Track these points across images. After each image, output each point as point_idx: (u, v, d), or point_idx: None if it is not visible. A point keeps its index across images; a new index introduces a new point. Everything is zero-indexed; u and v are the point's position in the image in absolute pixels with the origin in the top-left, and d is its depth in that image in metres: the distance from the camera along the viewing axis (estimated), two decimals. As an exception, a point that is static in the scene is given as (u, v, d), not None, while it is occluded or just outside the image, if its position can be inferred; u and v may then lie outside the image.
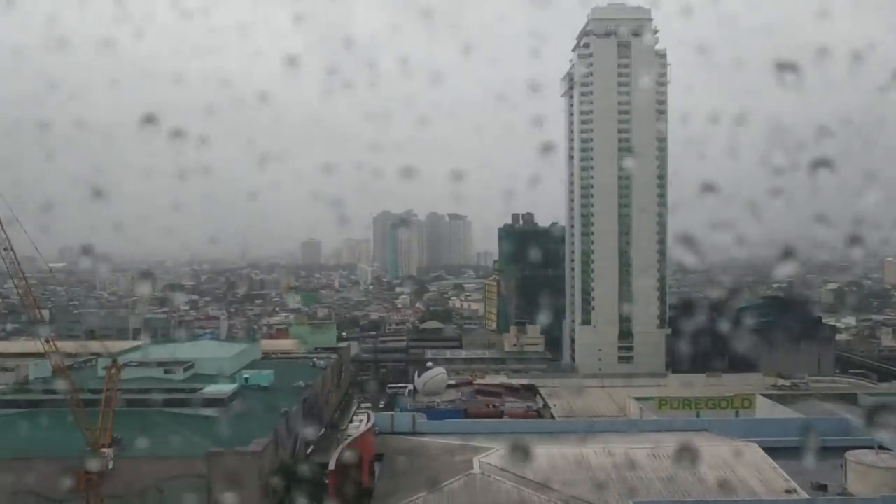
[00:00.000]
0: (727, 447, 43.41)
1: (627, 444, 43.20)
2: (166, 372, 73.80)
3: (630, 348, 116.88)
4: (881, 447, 43.04)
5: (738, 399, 70.30)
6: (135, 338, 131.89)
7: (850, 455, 39.42)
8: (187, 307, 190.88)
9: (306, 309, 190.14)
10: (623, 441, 44.28)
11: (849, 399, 72.43)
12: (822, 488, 39.33)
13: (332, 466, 33.74)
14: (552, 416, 75.11)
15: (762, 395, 71.75)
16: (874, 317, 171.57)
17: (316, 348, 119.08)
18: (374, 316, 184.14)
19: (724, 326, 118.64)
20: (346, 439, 46.45)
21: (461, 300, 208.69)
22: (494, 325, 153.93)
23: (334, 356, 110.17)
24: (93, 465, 51.19)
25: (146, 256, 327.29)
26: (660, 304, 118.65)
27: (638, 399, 70.14)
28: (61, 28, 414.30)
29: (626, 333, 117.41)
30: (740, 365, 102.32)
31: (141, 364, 76.30)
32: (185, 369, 76.64)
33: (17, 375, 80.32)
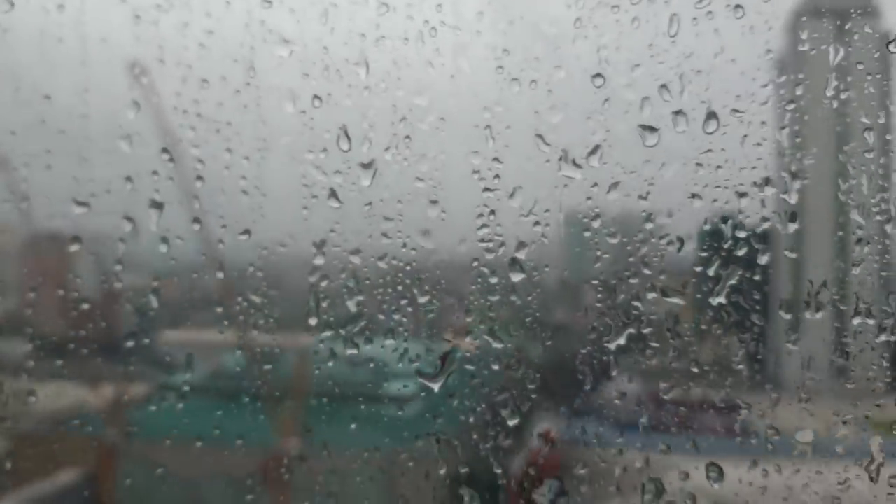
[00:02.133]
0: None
1: (846, 474, 37.63)
2: (354, 365, 75.74)
3: (848, 359, 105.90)
4: None
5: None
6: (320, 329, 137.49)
7: None
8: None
9: (493, 309, 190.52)
10: (841, 469, 38.71)
11: None
12: None
13: (512, 475, 31.72)
14: (755, 434, 68.89)
15: None
16: None
17: (496, 347, 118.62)
18: (561, 316, 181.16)
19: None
20: (528, 447, 44.23)
21: (653, 303, 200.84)
22: (690, 332, 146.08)
23: (517, 356, 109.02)
24: (280, 453, 52.82)
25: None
26: (886, 310, 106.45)
27: (861, 422, 62.30)
28: None
29: (842, 343, 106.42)
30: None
31: (330, 355, 79.02)
32: (372, 363, 78.48)
33: (212, 365, 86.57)
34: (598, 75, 6.63)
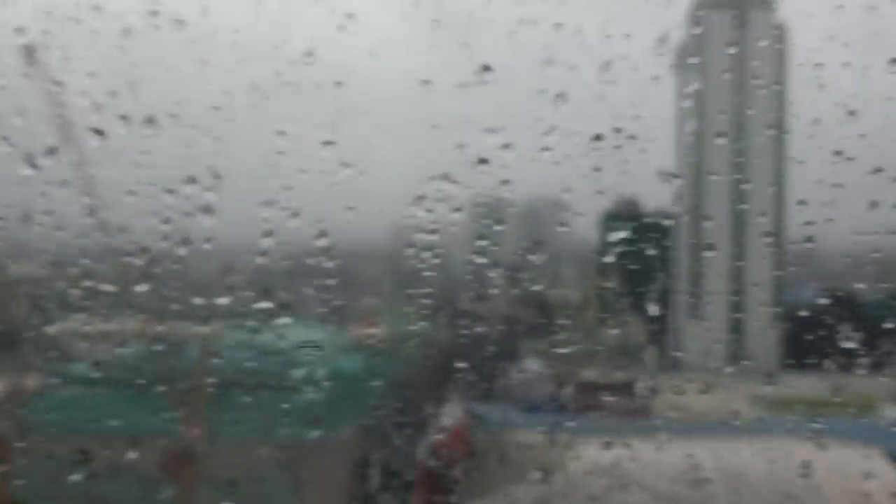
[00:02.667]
0: (849, 454, 40.75)
1: (738, 448, 41.23)
2: (259, 355, 74.92)
3: (742, 344, 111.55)
4: None
5: (862, 401, 65.73)
6: (225, 319, 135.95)
7: None
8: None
9: (398, 293, 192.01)
10: (735, 444, 42.32)
11: None
12: None
13: (420, 458, 32.98)
14: (656, 415, 72.71)
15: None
16: None
17: (408, 335, 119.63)
18: (469, 303, 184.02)
19: (848, 322, 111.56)
20: (436, 431, 45.79)
21: (562, 289, 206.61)
22: (596, 317, 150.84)
23: (427, 343, 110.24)
24: (183, 446, 52.03)
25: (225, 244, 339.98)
26: (776, 298, 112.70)
27: (753, 399, 66.94)
28: None
29: (738, 328, 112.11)
30: (865, 364, 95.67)
31: (235, 346, 77.85)
32: (277, 353, 77.80)
33: (111, 355, 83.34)
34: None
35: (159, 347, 59.02)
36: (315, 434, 57.76)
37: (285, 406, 64.41)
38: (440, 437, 38.06)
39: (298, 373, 71.91)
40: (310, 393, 68.54)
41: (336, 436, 58.86)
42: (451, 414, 59.23)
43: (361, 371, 79.59)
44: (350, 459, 57.06)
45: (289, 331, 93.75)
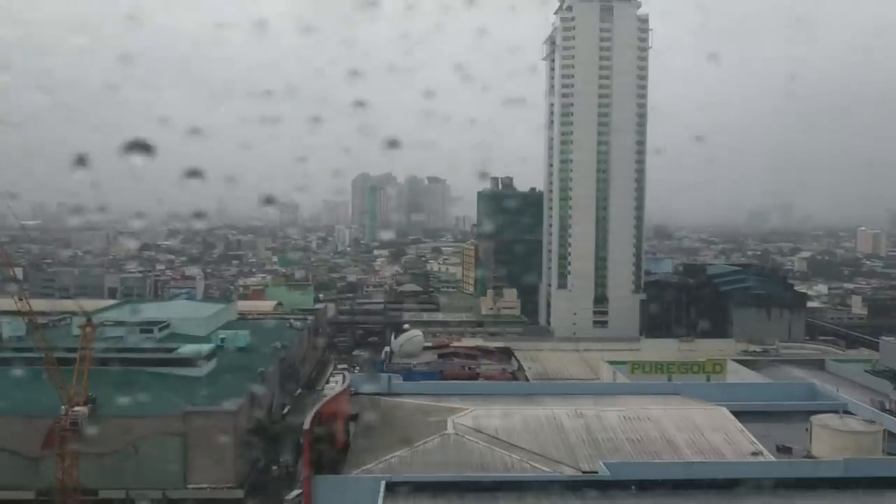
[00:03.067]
0: (696, 410, 44.17)
1: (599, 407, 43.78)
2: (142, 331, 73.83)
3: (605, 313, 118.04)
4: (846, 412, 44.16)
5: (709, 364, 71.55)
6: (110, 297, 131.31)
7: (815, 419, 40.34)
8: (163, 267, 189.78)
9: (283, 270, 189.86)
10: (596, 403, 44.86)
11: (817, 365, 73.94)
12: (787, 450, 40.33)
13: (306, 426, 33.93)
14: (526, 379, 76.01)
15: (733, 360, 73.03)
16: (845, 285, 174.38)
17: (293, 310, 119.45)
18: (351, 278, 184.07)
19: (698, 293, 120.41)
20: (321, 400, 46.71)
21: (439, 263, 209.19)
22: (472, 289, 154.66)
23: (311, 318, 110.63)
24: (67, 423, 51.38)
25: (121, 215, 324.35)
26: (635, 270, 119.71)
27: (611, 363, 71.13)
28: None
29: (601, 298, 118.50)
30: (713, 330, 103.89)
31: (116, 323, 76.20)
32: (161, 329, 76.71)
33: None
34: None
35: (40, 325, 57.65)
36: (203, 405, 58.20)
37: (173, 379, 64.29)
38: (325, 404, 39.13)
39: (187, 347, 71.56)
40: (198, 366, 68.63)
41: (224, 406, 59.22)
42: (335, 382, 60.65)
43: (250, 344, 79.60)
44: (238, 428, 57.73)
45: (176, 307, 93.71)
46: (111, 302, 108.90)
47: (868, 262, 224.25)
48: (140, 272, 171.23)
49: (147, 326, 74.82)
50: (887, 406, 54.84)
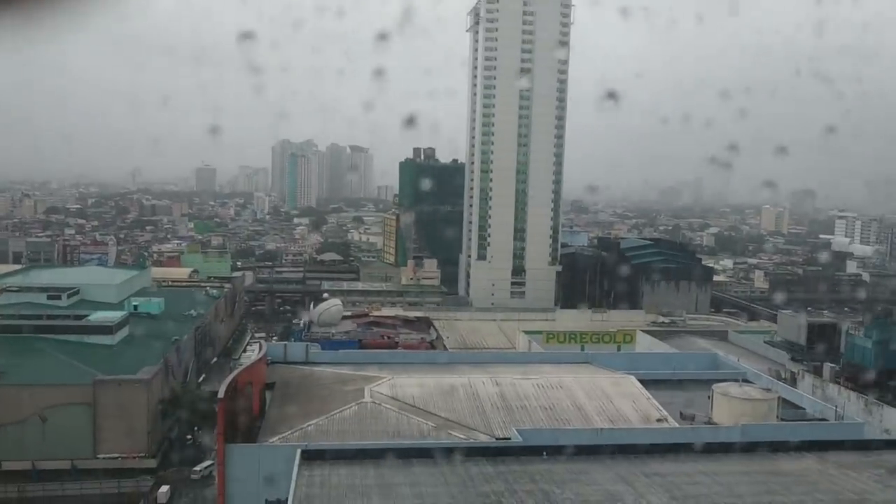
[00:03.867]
0: (607, 379, 45.77)
1: (514, 375, 44.86)
2: (50, 297, 71.30)
3: (522, 284, 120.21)
4: (745, 380, 46.55)
5: (620, 334, 73.99)
6: (16, 262, 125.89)
7: (717, 387, 42.39)
8: (73, 231, 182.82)
9: (200, 237, 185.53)
10: (510, 372, 45.92)
11: (720, 336, 77.33)
12: (690, 417, 42.31)
13: (220, 394, 33.64)
14: (445, 348, 76.98)
15: (642, 330, 75.62)
16: (749, 260, 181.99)
17: (209, 277, 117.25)
18: (270, 246, 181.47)
19: (611, 265, 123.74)
20: (237, 368, 46.30)
21: (360, 233, 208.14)
22: (392, 259, 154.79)
23: (228, 286, 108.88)
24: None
25: (28, 176, 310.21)
26: (552, 243, 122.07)
27: (527, 332, 72.73)
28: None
29: (519, 269, 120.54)
30: (625, 302, 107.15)
31: (22, 289, 73.42)
32: (70, 295, 74.22)
33: None
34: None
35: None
36: (115, 374, 56.85)
37: (83, 347, 62.49)
38: (240, 372, 38.79)
39: (98, 314, 69.61)
40: (109, 333, 66.87)
41: (137, 375, 58.00)
42: (252, 351, 60.05)
43: (164, 312, 77.82)
44: (151, 397, 56.66)
45: (87, 273, 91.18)
46: (17, 267, 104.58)
47: (771, 239, 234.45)
48: (48, 236, 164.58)
49: (55, 293, 72.25)
50: (783, 375, 57.96)
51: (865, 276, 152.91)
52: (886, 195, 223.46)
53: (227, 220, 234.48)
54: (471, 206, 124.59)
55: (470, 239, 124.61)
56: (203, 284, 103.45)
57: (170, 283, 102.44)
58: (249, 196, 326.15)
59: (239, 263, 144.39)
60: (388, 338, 79.88)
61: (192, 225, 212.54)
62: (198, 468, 52.65)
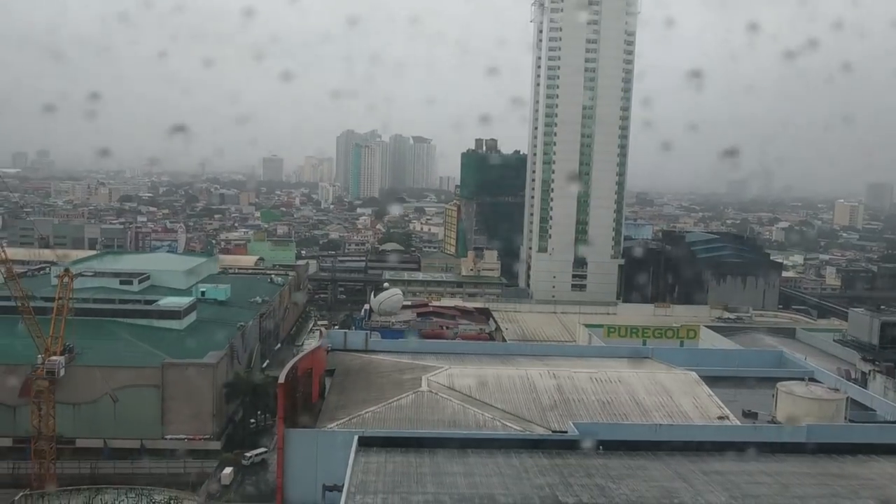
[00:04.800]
0: (667, 374, 45.06)
1: (573, 368, 44.54)
2: (122, 283, 73.83)
3: (584, 276, 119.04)
4: (812, 379, 45.24)
5: (683, 329, 72.66)
6: (90, 248, 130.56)
7: (781, 386, 41.33)
8: (145, 219, 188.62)
9: (266, 225, 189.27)
10: (569, 365, 45.61)
11: (787, 333, 75.24)
12: (753, 416, 41.37)
13: (281, 380, 34.30)
14: (503, 339, 76.86)
15: (706, 326, 74.15)
16: (820, 256, 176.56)
17: (274, 265, 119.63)
18: (333, 235, 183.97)
19: (676, 259, 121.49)
20: (299, 353, 47.15)
21: (422, 223, 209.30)
22: (453, 250, 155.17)
23: (293, 273, 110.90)
24: (43, 372, 51.60)
25: (103, 165, 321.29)
26: (615, 235, 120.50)
27: (588, 326, 72.07)
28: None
29: (580, 262, 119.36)
30: (689, 297, 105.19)
31: (96, 274, 76.14)
32: (141, 281, 76.69)
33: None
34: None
35: (22, 273, 57.42)
36: (182, 358, 58.56)
37: (153, 331, 64.50)
38: (301, 359, 39.49)
39: (167, 300, 71.69)
40: (178, 318, 68.76)
41: (204, 359, 59.54)
42: (314, 337, 61.09)
43: (230, 298, 79.69)
44: (217, 381, 58.16)
45: (157, 259, 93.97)
46: (91, 253, 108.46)
47: (844, 235, 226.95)
48: (121, 224, 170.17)
49: (127, 278, 74.77)
50: (853, 375, 56.15)
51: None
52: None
53: (292, 210, 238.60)
54: (532, 197, 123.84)
55: (531, 231, 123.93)
56: (268, 272, 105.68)
57: (236, 271, 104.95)
58: (314, 186, 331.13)
59: (303, 252, 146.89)
60: (447, 328, 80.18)
61: (258, 214, 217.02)
62: (248, 454, 53.58)
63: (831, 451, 31.11)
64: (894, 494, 26.79)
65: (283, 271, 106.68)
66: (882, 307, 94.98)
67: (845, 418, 39.98)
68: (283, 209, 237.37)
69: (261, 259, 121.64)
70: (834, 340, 70.60)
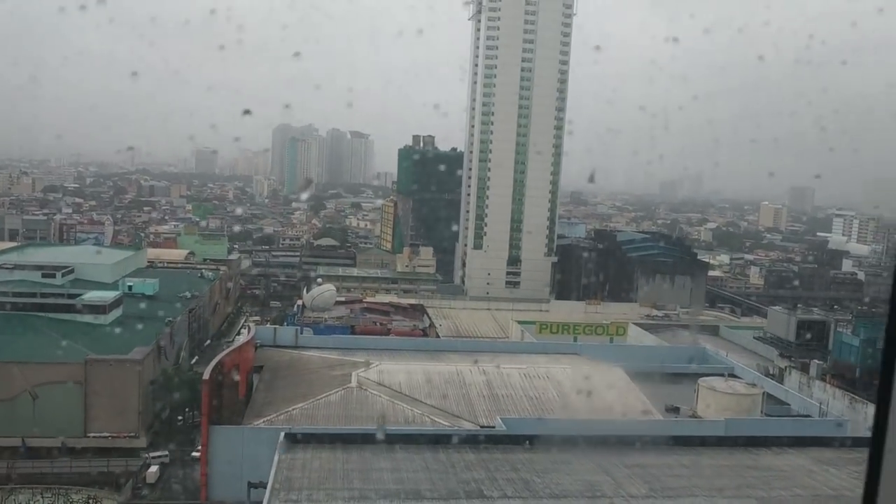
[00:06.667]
0: (594, 370, 46.10)
1: (503, 365, 45.16)
2: (44, 276, 71.42)
3: (518, 274, 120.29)
4: (732, 375, 46.86)
5: (613, 326, 74.26)
6: (11, 240, 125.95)
7: (703, 381, 42.72)
8: (70, 210, 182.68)
9: (197, 219, 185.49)
10: (499, 361, 46.22)
11: (711, 331, 77.63)
12: (675, 410, 42.65)
13: (206, 376, 33.83)
14: (437, 336, 77.28)
15: (635, 323, 75.94)
16: (746, 256, 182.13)
17: (205, 260, 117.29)
18: (268, 230, 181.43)
19: (607, 257, 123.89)
20: (226, 349, 46.52)
21: (358, 219, 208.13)
22: (389, 246, 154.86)
23: (224, 268, 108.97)
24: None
25: (27, 154, 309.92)
26: (549, 233, 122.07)
27: (520, 322, 73.00)
28: None
29: (514, 259, 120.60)
30: (619, 294, 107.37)
31: (16, 266, 73.50)
32: (65, 274, 74.32)
33: None
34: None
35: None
36: (107, 353, 57.03)
37: (76, 326, 62.59)
38: (227, 354, 38.99)
39: (92, 294, 69.66)
40: (103, 313, 66.95)
41: (129, 355, 58.10)
42: (244, 333, 60.24)
43: (158, 293, 77.88)
44: (143, 378, 56.86)
45: (82, 252, 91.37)
46: (12, 244, 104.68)
47: (768, 236, 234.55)
48: (44, 215, 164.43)
49: (50, 271, 72.36)
50: (771, 371, 58.31)
51: (860, 275, 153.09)
52: (885, 193, 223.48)
53: (225, 203, 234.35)
54: (468, 194, 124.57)
55: (467, 228, 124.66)
56: (198, 267, 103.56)
57: (165, 265, 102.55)
58: (249, 179, 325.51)
59: (236, 246, 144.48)
60: (381, 324, 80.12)
61: (190, 207, 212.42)
62: (146, 456, 52.70)
63: (748, 444, 32.34)
64: (805, 484, 28.03)
65: (214, 266, 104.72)
66: (800, 306, 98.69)
67: (762, 412, 41.55)
68: (216, 202, 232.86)
69: (191, 253, 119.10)
70: (754, 338, 73.15)
